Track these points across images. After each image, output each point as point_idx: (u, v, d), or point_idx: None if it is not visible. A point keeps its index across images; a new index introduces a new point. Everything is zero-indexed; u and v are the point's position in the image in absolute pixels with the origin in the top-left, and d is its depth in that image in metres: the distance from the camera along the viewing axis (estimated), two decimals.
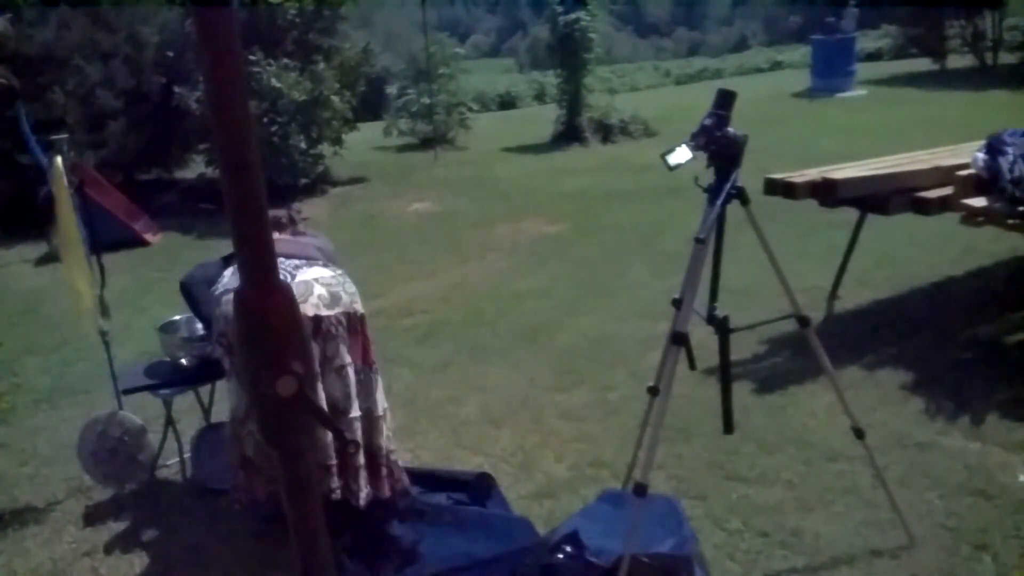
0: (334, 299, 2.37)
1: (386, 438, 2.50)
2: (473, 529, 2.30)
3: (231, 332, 2.36)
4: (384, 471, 2.46)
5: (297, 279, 2.36)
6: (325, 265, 2.46)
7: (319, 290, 2.35)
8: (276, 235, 2.75)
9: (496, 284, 5.19)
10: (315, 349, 2.35)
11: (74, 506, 3.01)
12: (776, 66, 21.27)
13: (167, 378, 3.00)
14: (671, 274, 4.52)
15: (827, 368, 2.35)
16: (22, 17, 7.14)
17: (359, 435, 2.43)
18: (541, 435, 3.27)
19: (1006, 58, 13.44)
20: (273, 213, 2.81)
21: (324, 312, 2.32)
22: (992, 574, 2.32)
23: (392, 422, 2.60)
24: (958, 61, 13.74)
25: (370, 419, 2.46)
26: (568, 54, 10.02)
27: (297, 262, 2.44)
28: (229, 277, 2.50)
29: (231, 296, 2.34)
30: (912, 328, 3.95)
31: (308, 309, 2.30)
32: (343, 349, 2.36)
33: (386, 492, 2.46)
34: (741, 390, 3.40)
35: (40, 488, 3.16)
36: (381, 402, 2.50)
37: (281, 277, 2.39)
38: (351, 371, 2.38)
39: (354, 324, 2.41)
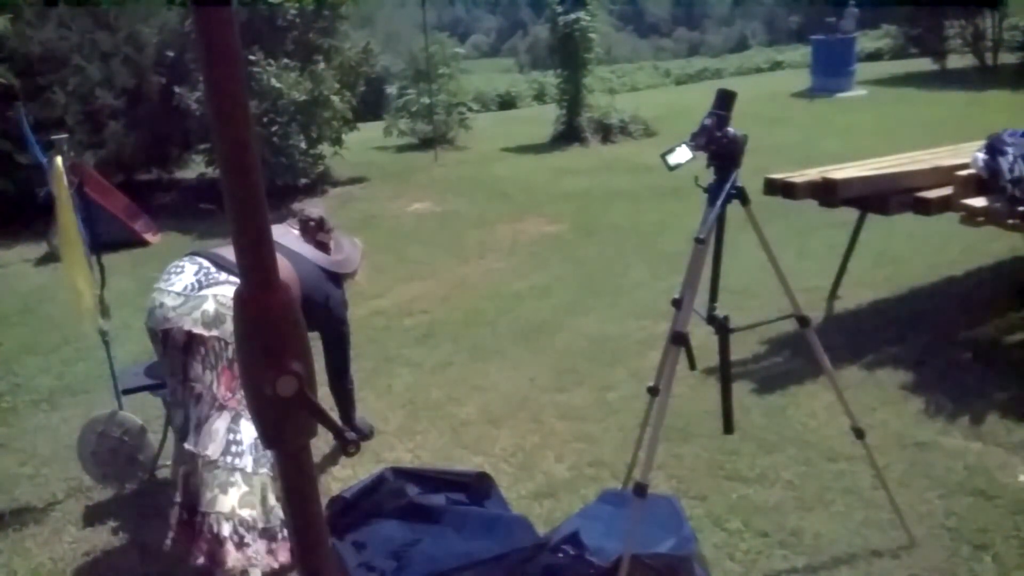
0: (216, 320, 2.26)
1: (211, 497, 2.22)
2: (472, 529, 2.30)
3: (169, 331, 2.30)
4: (205, 533, 2.21)
5: (200, 291, 2.30)
6: None
7: (208, 306, 2.26)
8: (290, 233, 2.78)
9: (496, 284, 5.19)
10: (179, 365, 2.30)
11: (74, 506, 3.01)
12: (776, 66, 21.26)
13: (162, 368, 3.00)
14: (671, 274, 4.53)
15: (827, 368, 2.35)
16: (22, 17, 7.14)
17: (179, 475, 2.31)
18: (541, 435, 3.27)
19: (1006, 58, 13.43)
20: (308, 212, 2.94)
21: (199, 330, 2.25)
22: (992, 574, 2.32)
23: (238, 484, 2.25)
24: (958, 61, 13.73)
25: (193, 459, 2.27)
26: (568, 54, 10.01)
27: (223, 275, 2.36)
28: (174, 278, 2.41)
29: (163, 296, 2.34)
30: (912, 328, 3.95)
31: (186, 323, 2.26)
32: (208, 375, 2.27)
33: (199, 559, 2.19)
34: (741, 390, 3.40)
35: (40, 488, 3.16)
36: (216, 450, 2.24)
37: (194, 280, 2.30)
38: (206, 400, 2.27)
39: (225, 353, 2.28)
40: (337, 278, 2.92)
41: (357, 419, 3.23)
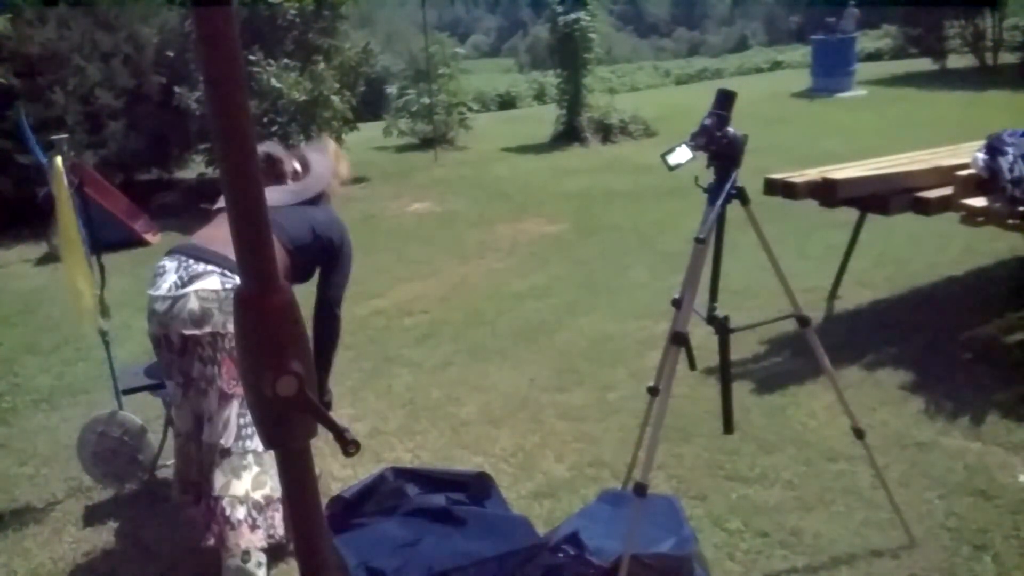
0: (204, 316, 2.25)
1: (224, 482, 2.25)
2: (472, 529, 2.30)
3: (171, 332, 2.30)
4: (218, 516, 2.23)
5: (183, 289, 2.28)
6: (222, 274, 2.30)
7: (192, 305, 2.25)
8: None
9: (496, 284, 5.19)
10: (178, 368, 2.31)
11: (74, 506, 3.01)
12: (776, 66, 21.27)
13: (164, 372, 3.00)
14: (671, 274, 4.53)
15: (827, 368, 2.35)
16: (22, 17, 7.14)
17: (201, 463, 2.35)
18: (541, 435, 3.27)
19: (1006, 58, 13.44)
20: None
21: (190, 332, 2.25)
22: (992, 574, 2.32)
23: (250, 467, 2.29)
24: (958, 61, 13.74)
25: (211, 451, 2.29)
26: (568, 54, 10.02)
27: (200, 266, 2.32)
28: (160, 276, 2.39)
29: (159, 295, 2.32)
30: (912, 328, 3.96)
31: (177, 326, 2.25)
32: (209, 370, 2.27)
33: (210, 540, 2.22)
34: (741, 390, 3.40)
35: (40, 488, 3.16)
36: (228, 438, 2.27)
37: (175, 279, 2.29)
38: (212, 394, 2.29)
39: (222, 345, 2.28)
40: (314, 201, 2.69)
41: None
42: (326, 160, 2.80)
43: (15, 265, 6.47)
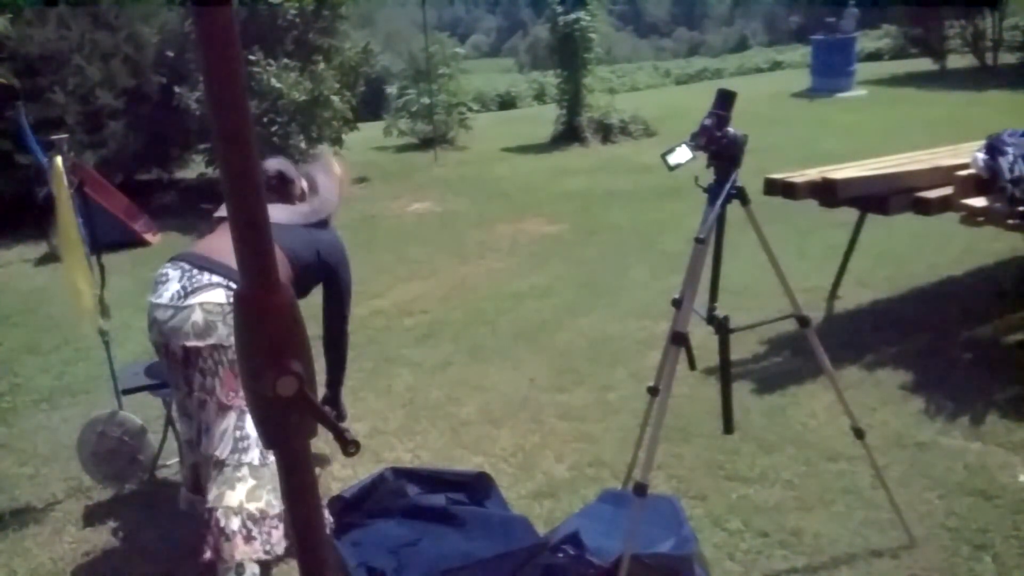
0: (208, 329, 2.25)
1: (217, 493, 2.24)
2: (472, 529, 2.30)
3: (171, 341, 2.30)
4: (213, 527, 2.21)
5: (186, 300, 2.28)
6: (227, 287, 2.30)
7: (196, 317, 2.25)
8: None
9: (496, 284, 5.19)
10: (182, 379, 2.31)
11: (74, 506, 3.01)
12: (776, 66, 21.29)
13: (167, 378, 3.00)
14: (671, 274, 4.53)
15: (827, 368, 2.35)
16: (22, 17, 7.13)
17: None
18: (541, 435, 3.27)
19: (1006, 58, 13.44)
20: (264, 168, 2.65)
21: (193, 343, 2.25)
22: (992, 574, 2.32)
23: (245, 479, 2.26)
24: (958, 61, 13.73)
25: (207, 463, 2.30)
26: (568, 54, 10.02)
27: (205, 277, 2.32)
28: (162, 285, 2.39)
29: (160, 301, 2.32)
30: (912, 328, 3.96)
31: (180, 338, 2.25)
32: (209, 381, 2.27)
33: (207, 553, 2.20)
34: (741, 390, 3.40)
35: (40, 488, 3.16)
36: (224, 450, 2.27)
37: (179, 288, 2.29)
38: (211, 405, 2.29)
39: (222, 357, 2.28)
40: (321, 223, 2.74)
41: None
42: (332, 184, 2.86)
43: (15, 265, 6.47)
